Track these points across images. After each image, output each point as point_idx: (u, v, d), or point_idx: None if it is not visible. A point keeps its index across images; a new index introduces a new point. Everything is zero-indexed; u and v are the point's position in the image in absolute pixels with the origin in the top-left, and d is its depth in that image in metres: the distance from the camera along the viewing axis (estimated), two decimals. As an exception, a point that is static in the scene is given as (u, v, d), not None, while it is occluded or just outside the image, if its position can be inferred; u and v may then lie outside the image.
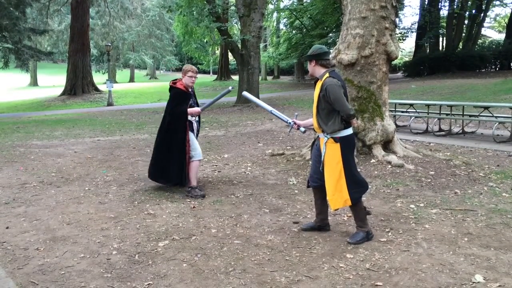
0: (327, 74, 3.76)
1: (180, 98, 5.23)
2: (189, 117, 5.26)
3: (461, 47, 30.63)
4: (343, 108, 3.65)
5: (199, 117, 5.55)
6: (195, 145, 5.32)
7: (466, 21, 30.84)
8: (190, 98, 5.30)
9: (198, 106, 5.45)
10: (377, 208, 4.70)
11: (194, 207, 4.88)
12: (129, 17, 46.46)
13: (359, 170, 6.09)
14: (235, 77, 35.96)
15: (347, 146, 3.75)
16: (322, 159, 3.81)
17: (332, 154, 3.72)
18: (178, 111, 5.21)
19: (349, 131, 3.77)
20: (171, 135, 5.27)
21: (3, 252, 3.72)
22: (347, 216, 4.44)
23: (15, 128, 13.72)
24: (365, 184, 3.87)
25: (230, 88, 5.49)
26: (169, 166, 5.33)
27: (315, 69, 3.86)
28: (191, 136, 5.29)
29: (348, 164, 3.72)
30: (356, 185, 3.75)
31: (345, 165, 3.69)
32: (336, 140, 3.71)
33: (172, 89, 5.28)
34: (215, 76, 45.53)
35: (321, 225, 4.07)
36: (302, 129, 4.24)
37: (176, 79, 5.32)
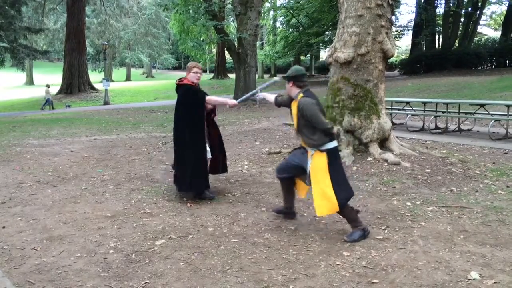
0: (301, 94, 3.96)
1: (192, 92, 5.03)
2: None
3: (457, 45, 30.70)
4: (320, 124, 3.82)
5: (212, 121, 5.33)
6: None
7: (462, 19, 30.89)
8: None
9: None
10: (373, 206, 4.71)
11: (191, 205, 4.88)
12: (125, 15, 46.34)
13: (355, 168, 6.14)
14: (232, 76, 35.93)
15: (333, 156, 3.88)
16: (308, 170, 3.93)
17: (319, 164, 3.84)
18: (195, 102, 4.95)
19: (334, 143, 3.92)
20: (189, 131, 4.99)
21: (0, 251, 3.72)
22: (344, 214, 4.46)
23: (11, 127, 13.67)
24: (351, 190, 3.96)
25: (276, 79, 5.33)
26: (184, 170, 5.03)
27: (291, 89, 4.06)
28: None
29: (335, 173, 3.82)
30: (343, 192, 3.82)
31: (332, 174, 3.80)
32: (322, 151, 3.85)
33: (181, 86, 5.07)
34: (212, 74, 45.48)
35: (285, 212, 4.40)
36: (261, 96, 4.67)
37: (181, 78, 5.15)
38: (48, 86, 25.15)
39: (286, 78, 4.10)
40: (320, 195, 3.80)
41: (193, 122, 4.97)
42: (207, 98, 5.02)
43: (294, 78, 4.03)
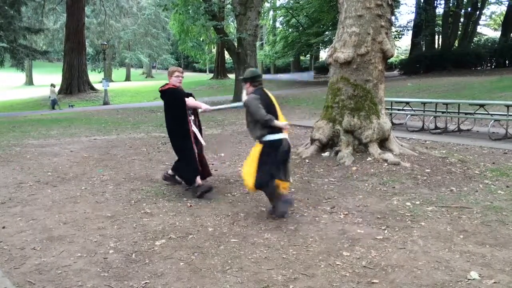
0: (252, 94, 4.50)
1: (176, 94, 5.29)
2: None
3: (457, 45, 30.71)
4: (258, 116, 4.29)
5: (198, 121, 5.61)
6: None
7: (461, 19, 30.90)
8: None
9: None
10: (373, 206, 4.71)
11: (190, 206, 4.89)
12: (125, 15, 46.33)
13: (355, 168, 6.15)
14: (232, 76, 35.93)
15: (269, 148, 4.35)
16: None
17: (254, 152, 4.46)
18: (180, 103, 5.23)
19: (274, 136, 4.35)
20: (176, 128, 5.32)
21: (0, 251, 3.72)
22: (343, 214, 4.46)
23: (11, 128, 13.66)
24: (271, 177, 4.36)
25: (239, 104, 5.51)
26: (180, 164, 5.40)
27: (249, 89, 4.61)
28: (194, 129, 5.34)
29: (263, 161, 4.32)
30: (262, 177, 4.30)
31: (260, 160, 4.34)
32: (261, 142, 4.40)
33: (166, 91, 5.30)
34: (212, 74, 45.48)
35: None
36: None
37: (163, 85, 5.38)
38: (53, 85, 25.07)
39: (243, 80, 4.63)
40: (246, 173, 4.44)
41: (180, 121, 5.25)
42: (186, 100, 5.27)
43: (250, 79, 4.57)
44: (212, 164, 7.16)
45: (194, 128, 5.38)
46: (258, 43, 31.89)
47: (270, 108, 4.38)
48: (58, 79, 32.26)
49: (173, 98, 5.25)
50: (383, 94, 6.98)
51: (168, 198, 5.22)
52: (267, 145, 4.35)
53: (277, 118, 4.41)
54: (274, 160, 4.36)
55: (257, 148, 4.41)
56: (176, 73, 5.31)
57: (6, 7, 22.42)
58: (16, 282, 3.15)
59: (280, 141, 4.38)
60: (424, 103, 10.99)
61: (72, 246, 3.80)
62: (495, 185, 5.41)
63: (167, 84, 5.36)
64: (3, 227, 4.31)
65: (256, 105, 4.29)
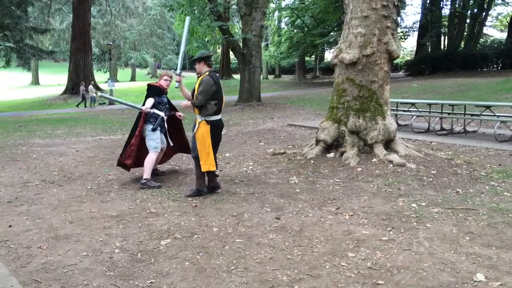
0: (207, 73, 5.08)
1: (156, 91, 6.00)
2: (158, 112, 5.93)
3: (463, 46, 30.59)
4: (199, 98, 4.92)
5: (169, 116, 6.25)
6: (157, 137, 5.89)
7: (468, 20, 30.79)
8: (163, 94, 6.07)
9: (170, 104, 6.22)
10: (378, 207, 4.70)
11: (195, 206, 4.90)
12: (131, 16, 46.48)
13: (360, 169, 6.16)
14: (237, 76, 35.97)
15: (214, 128, 5.09)
16: (193, 133, 5.14)
17: (203, 132, 5.04)
18: (156, 95, 5.99)
19: (217, 117, 5.13)
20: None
21: (6, 250, 3.74)
22: (349, 215, 4.46)
23: (17, 127, 13.75)
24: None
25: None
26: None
27: (203, 67, 5.16)
28: (148, 127, 5.86)
29: (213, 142, 5.06)
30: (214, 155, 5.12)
31: (212, 141, 5.05)
32: (207, 122, 5.05)
33: (153, 86, 6.06)
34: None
35: (216, 186, 5.38)
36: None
37: (154, 82, 6.18)
38: (91, 84, 24.68)
39: (197, 60, 5.16)
40: (204, 157, 5.01)
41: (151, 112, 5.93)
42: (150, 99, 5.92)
43: (205, 58, 5.14)
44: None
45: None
46: (263, 44, 31.87)
47: (219, 93, 5.08)
48: (64, 79, 32.44)
49: (155, 92, 5.94)
50: (388, 95, 6.96)
51: (173, 198, 5.23)
52: (212, 126, 5.05)
53: (222, 102, 5.18)
54: (215, 140, 5.15)
55: (205, 130, 5.02)
56: (165, 77, 6.08)
57: (13, 7, 22.58)
58: (22, 280, 3.17)
59: (220, 121, 5.19)
60: (429, 104, 10.94)
61: (78, 245, 3.82)
62: (501, 187, 5.38)
63: (157, 83, 6.13)
64: (10, 226, 4.34)
65: (208, 88, 4.93)
